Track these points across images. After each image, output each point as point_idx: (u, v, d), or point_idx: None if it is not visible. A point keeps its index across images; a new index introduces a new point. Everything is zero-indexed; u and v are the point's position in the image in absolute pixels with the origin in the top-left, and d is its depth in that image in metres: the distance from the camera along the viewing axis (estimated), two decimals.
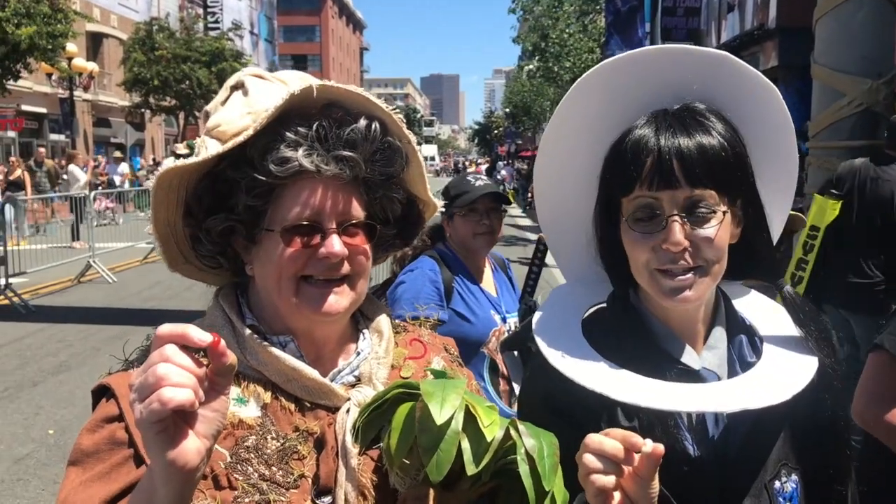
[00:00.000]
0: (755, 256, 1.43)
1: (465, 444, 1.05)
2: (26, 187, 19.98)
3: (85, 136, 35.33)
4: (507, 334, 3.28)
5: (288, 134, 1.22)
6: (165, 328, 0.97)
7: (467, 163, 62.86)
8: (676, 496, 1.24)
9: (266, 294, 1.31)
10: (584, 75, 1.41)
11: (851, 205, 5.33)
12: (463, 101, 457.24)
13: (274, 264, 1.27)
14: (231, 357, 0.98)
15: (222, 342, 0.97)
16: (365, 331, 1.43)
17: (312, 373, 1.28)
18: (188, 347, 0.96)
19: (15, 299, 11.36)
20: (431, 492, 1.18)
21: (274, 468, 1.22)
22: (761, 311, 1.49)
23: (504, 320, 3.39)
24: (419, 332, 1.53)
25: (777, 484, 1.34)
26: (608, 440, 1.10)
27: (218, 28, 45.67)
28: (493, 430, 1.07)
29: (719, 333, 1.42)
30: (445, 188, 3.52)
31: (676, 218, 1.29)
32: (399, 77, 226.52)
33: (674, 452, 1.30)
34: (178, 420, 0.96)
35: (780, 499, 1.34)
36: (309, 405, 1.29)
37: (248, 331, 1.29)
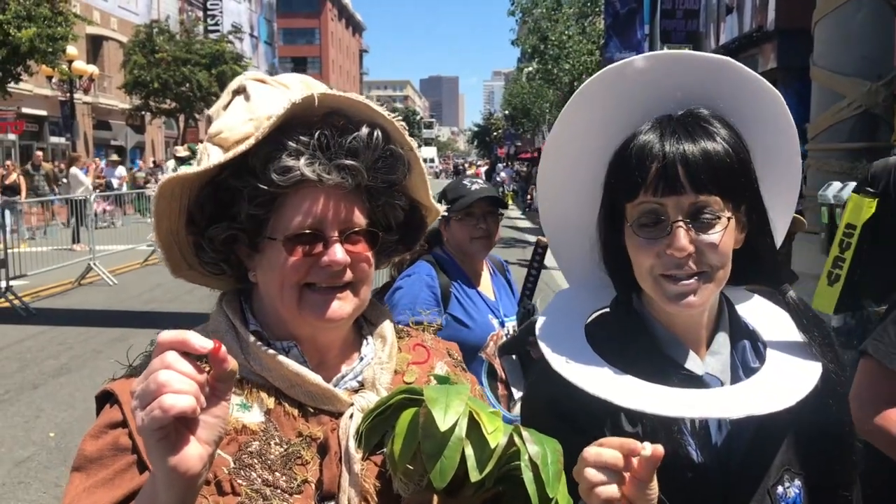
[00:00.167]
0: (758, 261, 1.43)
1: (469, 451, 1.05)
2: (22, 191, 19.94)
3: (85, 139, 35.34)
4: (505, 338, 3.27)
5: (289, 143, 1.22)
6: (166, 335, 0.97)
7: (466, 165, 62.82)
8: (680, 502, 1.24)
9: (269, 301, 1.32)
10: (587, 81, 1.41)
11: (887, 202, 5.32)
12: (462, 103, 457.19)
13: (276, 272, 1.27)
14: (232, 363, 0.99)
15: (223, 348, 0.97)
16: (368, 336, 1.43)
17: (316, 378, 1.28)
18: (189, 354, 0.96)
19: (15, 302, 11.36)
20: (435, 498, 1.18)
21: (277, 473, 1.22)
22: (764, 316, 1.49)
23: (502, 324, 3.38)
24: (422, 337, 1.52)
25: (780, 489, 1.34)
26: (606, 450, 1.09)
27: (218, 31, 45.67)
28: (496, 436, 1.06)
29: (723, 339, 1.42)
30: (442, 192, 3.51)
31: (681, 224, 1.29)
32: (398, 79, 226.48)
33: (677, 458, 1.30)
34: (180, 426, 0.96)
35: None
36: (312, 410, 1.29)
37: (251, 336, 1.30)
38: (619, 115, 1.39)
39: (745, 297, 1.53)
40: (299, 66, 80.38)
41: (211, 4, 51.75)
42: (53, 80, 26.89)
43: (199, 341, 0.96)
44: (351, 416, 1.27)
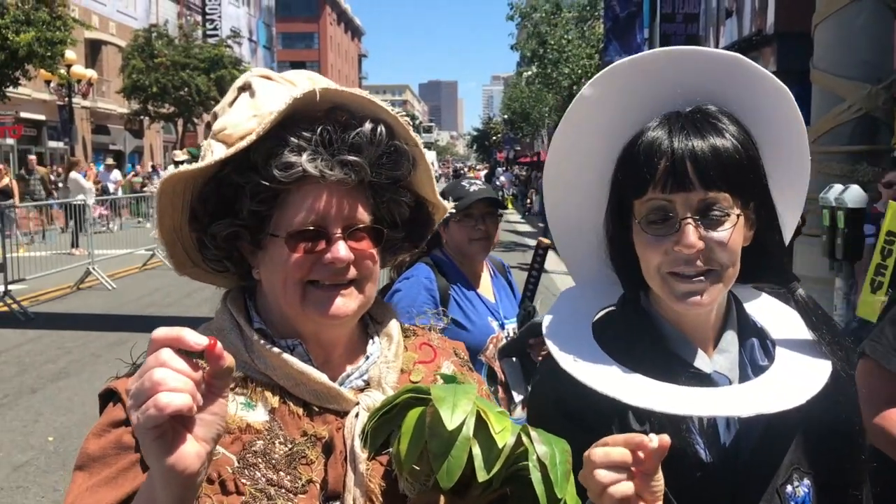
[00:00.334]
0: (767, 259, 1.42)
1: (476, 451, 1.04)
2: (14, 195, 19.90)
3: (84, 144, 35.35)
4: (505, 341, 3.25)
5: (292, 139, 1.21)
6: (161, 332, 0.95)
7: (466, 169, 62.88)
8: (688, 501, 1.23)
9: (273, 298, 1.30)
10: (596, 76, 1.40)
11: None
12: (461, 107, 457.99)
13: (279, 269, 1.26)
14: (228, 359, 0.97)
15: (219, 344, 0.96)
16: (375, 335, 1.41)
17: (321, 377, 1.27)
18: (184, 351, 0.94)
19: (14, 306, 11.34)
20: (441, 498, 1.16)
21: (282, 473, 1.21)
22: (773, 314, 1.48)
23: (502, 326, 3.35)
24: (429, 336, 1.51)
25: (789, 488, 1.33)
26: (613, 449, 1.08)
27: (216, 35, 45.75)
28: (504, 436, 1.05)
29: (731, 337, 1.41)
30: (440, 193, 3.48)
31: (690, 220, 1.28)
32: (397, 84, 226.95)
33: (685, 457, 1.29)
34: (177, 425, 0.94)
35: (793, 503, 1.33)
36: (317, 409, 1.27)
37: (255, 334, 1.28)
38: (627, 112, 1.37)
39: (753, 295, 1.52)
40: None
41: (209, 9, 51.86)
42: (52, 85, 26.89)
43: (193, 338, 0.94)
44: (356, 416, 1.25)
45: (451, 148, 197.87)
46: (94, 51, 38.19)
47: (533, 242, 3.31)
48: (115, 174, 28.48)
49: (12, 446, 6.37)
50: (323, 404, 1.27)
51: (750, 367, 1.40)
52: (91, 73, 29.09)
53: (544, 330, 1.44)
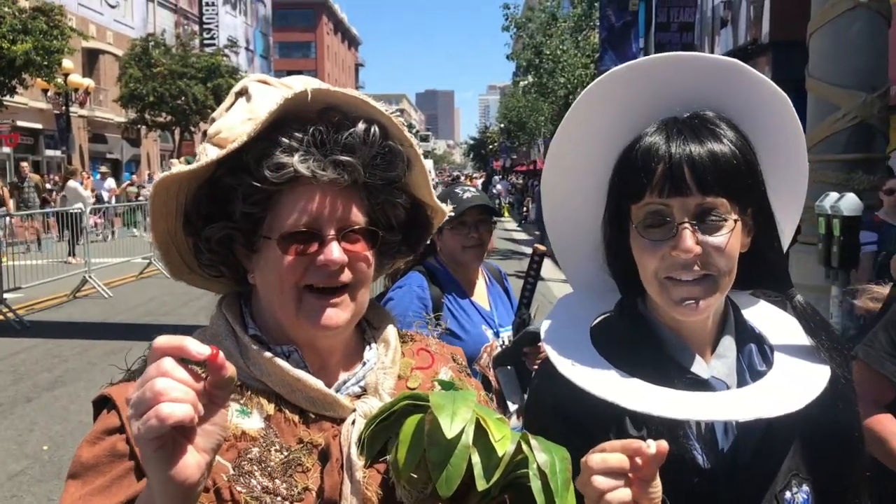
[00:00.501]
0: (765, 266, 1.42)
1: (476, 459, 1.03)
2: (6, 203, 19.85)
3: (81, 152, 35.30)
4: (499, 349, 3.22)
5: (283, 139, 1.21)
6: (162, 340, 0.94)
7: (462, 177, 63.00)
8: None
9: (268, 303, 1.29)
10: (594, 82, 1.40)
11: None
12: (458, 116, 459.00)
13: (273, 273, 1.25)
14: (230, 369, 0.96)
15: (221, 354, 0.95)
16: (372, 341, 1.40)
17: (317, 383, 1.26)
18: (186, 360, 0.93)
19: (9, 315, 11.30)
20: None
21: (277, 481, 1.19)
22: (771, 320, 1.48)
23: (497, 335, 3.33)
24: (427, 342, 1.50)
25: (788, 494, 1.33)
26: (610, 455, 1.08)
27: (214, 44, 45.80)
28: (504, 444, 1.04)
29: (728, 343, 1.41)
30: None
31: (687, 225, 1.28)
32: (394, 93, 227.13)
33: (683, 463, 1.28)
34: (178, 435, 0.93)
35: None
36: (314, 416, 1.26)
37: (251, 341, 1.27)
38: (625, 117, 1.37)
39: (751, 301, 1.52)
40: None
41: (207, 18, 51.94)
42: (49, 94, 26.91)
43: (196, 347, 0.93)
44: (353, 423, 1.24)
45: (448, 156, 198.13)
46: (91, 60, 38.19)
47: (529, 250, 3.29)
48: (110, 182, 28.38)
49: (7, 455, 6.33)
50: (319, 411, 1.26)
51: (748, 373, 1.40)
52: (88, 82, 29.14)
53: (542, 335, 1.44)
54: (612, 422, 1.31)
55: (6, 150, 29.43)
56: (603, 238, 1.44)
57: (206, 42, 46.44)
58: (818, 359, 1.38)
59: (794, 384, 1.33)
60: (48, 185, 25.30)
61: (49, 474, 5.91)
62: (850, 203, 6.07)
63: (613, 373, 1.32)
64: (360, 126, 1.24)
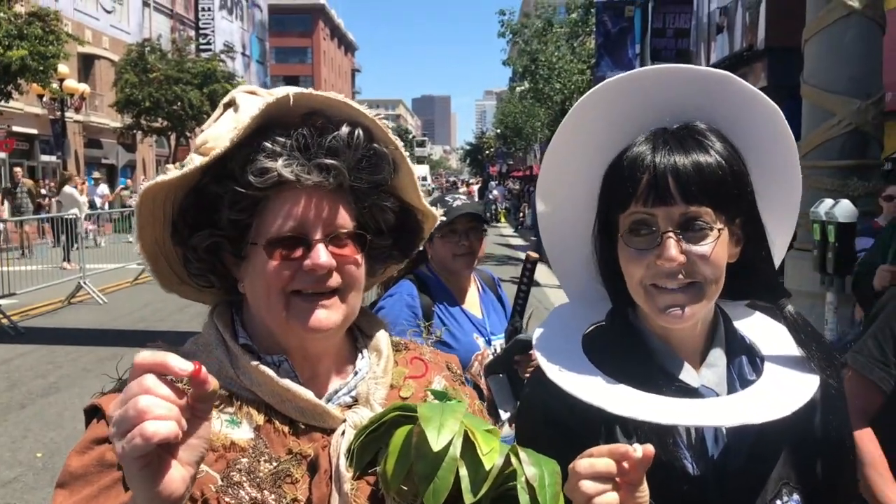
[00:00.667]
0: (756, 276, 1.42)
1: (464, 472, 1.03)
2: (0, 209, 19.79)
3: (76, 158, 35.27)
4: (491, 357, 3.21)
5: (267, 144, 1.20)
6: (144, 357, 0.93)
7: (459, 183, 62.98)
8: None
9: (257, 311, 1.29)
10: (587, 94, 1.40)
11: None
12: (454, 121, 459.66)
13: (261, 279, 1.24)
14: (213, 383, 0.95)
15: (203, 369, 0.94)
16: (364, 349, 1.39)
17: (306, 393, 1.25)
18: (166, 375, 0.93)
19: (4, 321, 11.26)
20: None
21: (266, 492, 1.19)
22: (763, 331, 1.48)
23: (489, 342, 3.32)
24: (420, 350, 1.49)
25: (778, 503, 1.33)
26: (598, 460, 1.08)
27: (210, 50, 45.82)
28: (492, 457, 1.04)
29: (718, 353, 1.41)
30: None
31: (671, 234, 1.29)
32: (391, 98, 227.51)
33: (673, 470, 1.29)
34: (162, 451, 0.92)
35: None
36: (303, 427, 1.25)
37: (241, 350, 1.27)
38: (616, 129, 1.38)
39: (743, 312, 1.52)
40: (291, 84, 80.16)
41: (203, 23, 51.98)
42: (44, 99, 26.86)
43: (178, 364, 0.92)
44: (343, 433, 1.23)
45: (445, 162, 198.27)
46: (86, 65, 38.17)
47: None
48: (103, 188, 28.33)
49: (0, 462, 6.31)
50: (309, 421, 1.26)
51: (738, 382, 1.40)
52: (84, 88, 29.10)
53: (534, 342, 1.44)
54: (603, 429, 1.31)
55: (1, 155, 29.40)
56: (593, 247, 1.45)
57: (202, 47, 46.47)
58: (807, 368, 1.38)
59: (782, 392, 1.33)
60: (43, 191, 25.23)
61: (43, 481, 5.89)
62: (844, 209, 6.08)
63: (600, 379, 1.33)
64: (344, 129, 1.23)
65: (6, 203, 21.11)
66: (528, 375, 2.77)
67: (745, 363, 1.43)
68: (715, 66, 17.25)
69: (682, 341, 1.39)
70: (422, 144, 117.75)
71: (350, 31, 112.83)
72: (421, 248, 3.46)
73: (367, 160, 1.26)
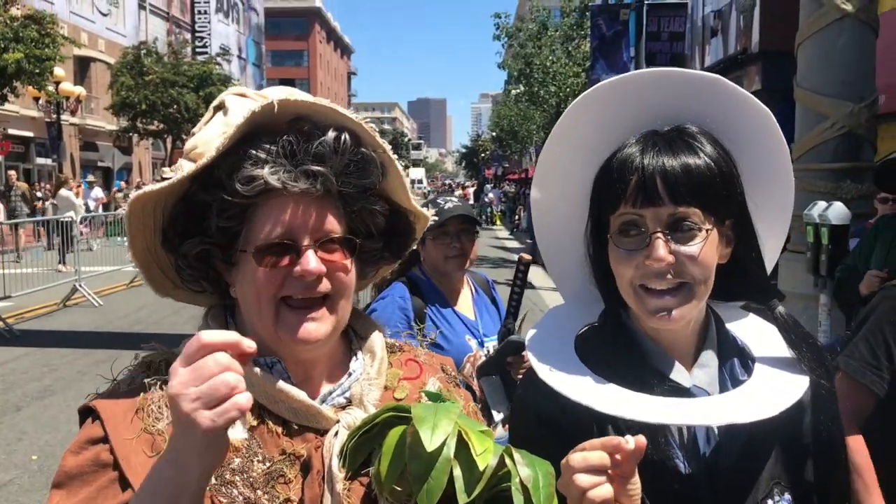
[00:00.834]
0: (747, 277, 1.44)
1: (457, 472, 1.03)
2: None
3: (72, 160, 35.17)
4: (483, 358, 3.22)
5: (252, 151, 1.21)
6: (213, 336, 1.01)
7: (455, 186, 62.98)
8: None
9: (248, 318, 1.30)
10: (579, 97, 1.41)
11: None
12: (450, 124, 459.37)
13: (252, 286, 1.25)
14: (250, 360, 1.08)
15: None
16: (358, 351, 1.40)
17: (299, 394, 1.26)
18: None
19: None
20: None
21: (259, 492, 1.19)
22: (755, 332, 1.49)
23: (481, 344, 3.32)
24: (415, 352, 1.50)
25: (770, 502, 1.34)
26: (591, 453, 1.10)
27: (206, 52, 45.77)
28: (486, 458, 1.05)
29: (710, 354, 1.42)
30: None
31: (660, 235, 1.30)
32: (387, 101, 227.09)
33: (665, 470, 1.30)
34: None
35: None
36: (297, 427, 1.26)
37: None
38: (608, 132, 1.39)
39: (736, 314, 1.53)
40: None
41: (199, 26, 51.91)
42: (40, 102, 26.79)
43: (247, 343, 1.03)
44: (336, 434, 1.24)
45: (440, 165, 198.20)
46: (82, 68, 38.09)
47: None
48: (97, 192, 28.23)
49: None
50: (302, 422, 1.26)
51: (730, 383, 1.41)
52: (80, 90, 29.02)
53: (527, 343, 1.45)
54: (595, 429, 1.32)
55: None
56: (586, 248, 1.46)
57: (198, 50, 46.43)
58: (798, 369, 1.39)
59: (770, 392, 1.34)
60: (38, 194, 25.14)
61: (38, 484, 5.87)
62: (838, 212, 6.10)
63: (590, 378, 1.34)
64: (331, 134, 1.24)
65: (1, 206, 21.02)
66: (520, 377, 2.78)
67: (736, 364, 1.44)
68: (709, 69, 17.29)
69: (674, 342, 1.40)
70: (417, 147, 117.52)
71: (346, 34, 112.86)
72: (414, 251, 3.47)
73: (354, 165, 1.26)
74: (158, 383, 1.23)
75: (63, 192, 20.38)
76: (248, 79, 61.26)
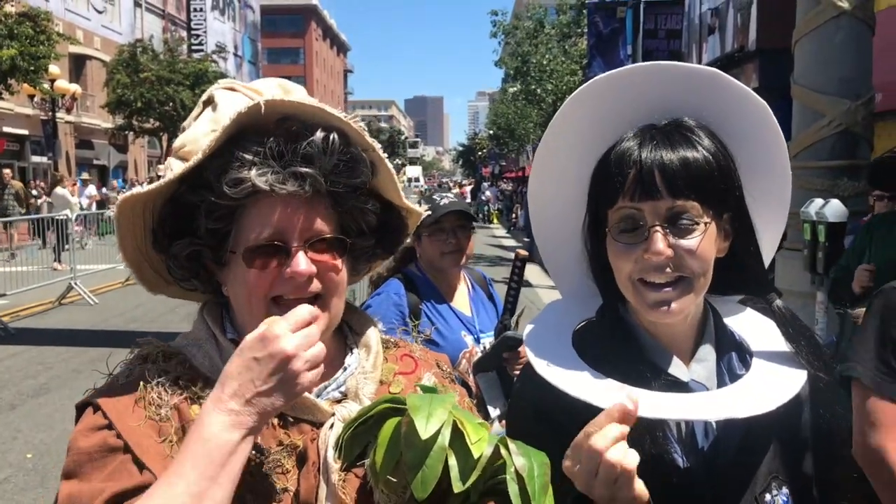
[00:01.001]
0: (745, 271, 1.43)
1: (452, 461, 1.03)
2: None
3: (67, 158, 35.13)
4: (479, 355, 3.22)
5: (240, 153, 1.20)
6: (307, 311, 1.15)
7: (452, 184, 63.02)
8: None
9: (241, 317, 1.30)
10: (576, 91, 1.41)
11: None
12: (447, 122, 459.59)
13: (243, 287, 1.25)
14: None
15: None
16: (353, 346, 1.40)
17: None
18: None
19: None
20: None
21: (259, 480, 1.20)
22: (753, 327, 1.49)
23: (478, 340, 3.32)
24: (410, 348, 1.50)
25: (768, 497, 1.34)
26: (607, 428, 1.12)
27: (202, 50, 45.72)
28: (480, 446, 1.04)
29: (708, 348, 1.42)
30: None
31: (658, 228, 1.29)
32: (383, 99, 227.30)
33: (663, 464, 1.30)
34: None
35: None
36: (293, 420, 1.26)
37: (230, 345, 1.27)
38: (605, 126, 1.39)
39: (733, 308, 1.53)
40: None
41: (195, 24, 51.86)
42: (35, 99, 26.75)
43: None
44: (331, 426, 1.24)
45: (437, 163, 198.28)
46: (78, 65, 38.02)
47: None
48: (90, 189, 28.17)
49: None
50: (298, 415, 1.26)
51: (728, 377, 1.41)
52: (75, 88, 29.00)
53: (525, 338, 1.45)
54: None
55: None
56: (584, 244, 1.45)
57: (193, 48, 46.37)
58: (796, 364, 1.39)
59: (768, 387, 1.34)
60: (34, 192, 25.08)
61: (33, 483, 5.86)
62: (834, 209, 6.11)
63: (587, 373, 1.34)
64: (319, 135, 1.22)
65: None
66: (517, 373, 2.77)
67: (734, 358, 1.43)
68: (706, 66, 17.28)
69: (672, 336, 1.40)
70: (414, 146, 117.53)
71: (342, 31, 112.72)
72: (410, 247, 3.44)
73: (343, 164, 1.25)
74: (158, 373, 1.23)
75: (59, 190, 20.35)
76: (244, 76, 61.18)
